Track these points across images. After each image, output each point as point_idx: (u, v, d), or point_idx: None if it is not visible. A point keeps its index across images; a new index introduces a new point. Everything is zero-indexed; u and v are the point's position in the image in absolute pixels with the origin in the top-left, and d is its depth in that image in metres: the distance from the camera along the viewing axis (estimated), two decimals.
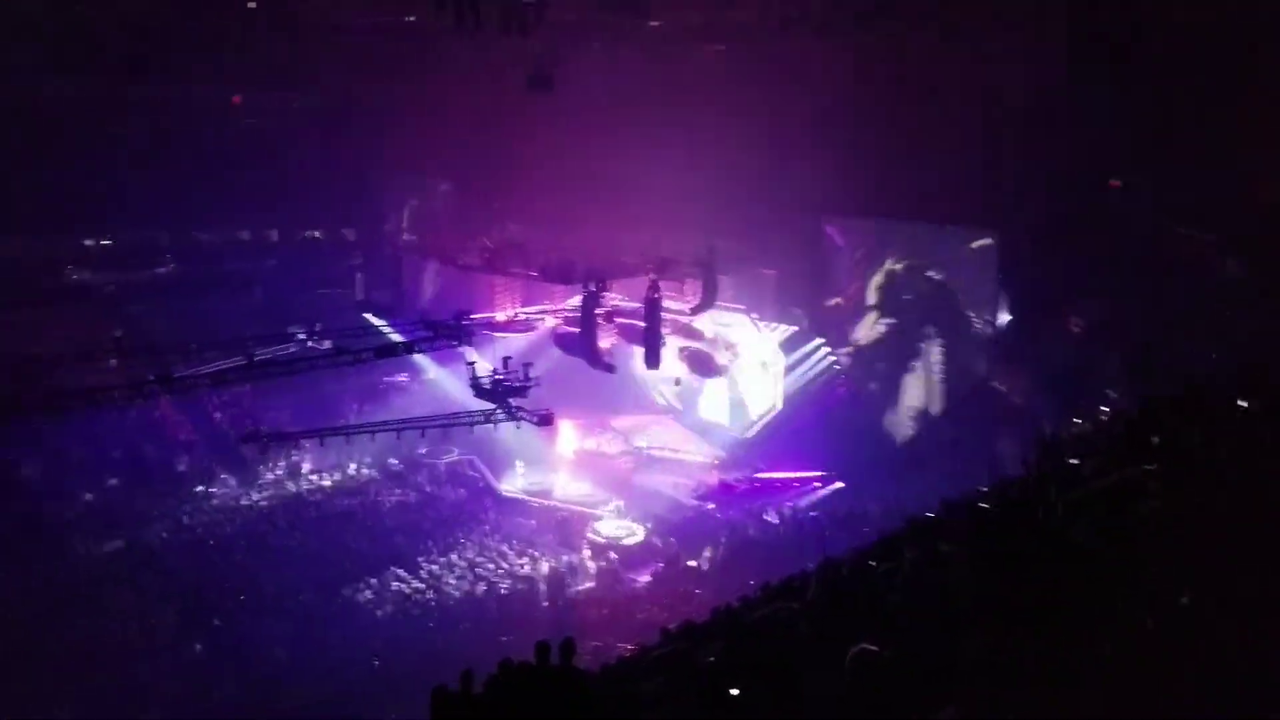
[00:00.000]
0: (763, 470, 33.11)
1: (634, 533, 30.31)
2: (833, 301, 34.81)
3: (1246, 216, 22.75)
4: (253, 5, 26.33)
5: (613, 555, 28.94)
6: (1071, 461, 10.20)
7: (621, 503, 32.21)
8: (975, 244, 30.63)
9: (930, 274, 32.15)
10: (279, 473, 32.34)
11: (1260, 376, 11.65)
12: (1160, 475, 6.56)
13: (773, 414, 34.60)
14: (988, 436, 28.78)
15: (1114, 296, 26.80)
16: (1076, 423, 22.82)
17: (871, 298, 33.72)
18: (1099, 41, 24.67)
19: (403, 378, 36.56)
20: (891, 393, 33.78)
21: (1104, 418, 20.77)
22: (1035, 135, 26.87)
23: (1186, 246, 24.59)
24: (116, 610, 23.84)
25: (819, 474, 31.92)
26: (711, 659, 6.14)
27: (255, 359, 23.96)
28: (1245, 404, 9.59)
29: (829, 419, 33.71)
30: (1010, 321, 30.53)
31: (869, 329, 33.96)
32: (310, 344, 27.78)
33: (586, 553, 29.37)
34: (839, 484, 31.24)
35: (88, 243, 37.40)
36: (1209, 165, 22.28)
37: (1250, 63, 21.10)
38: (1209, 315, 23.14)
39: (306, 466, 32.75)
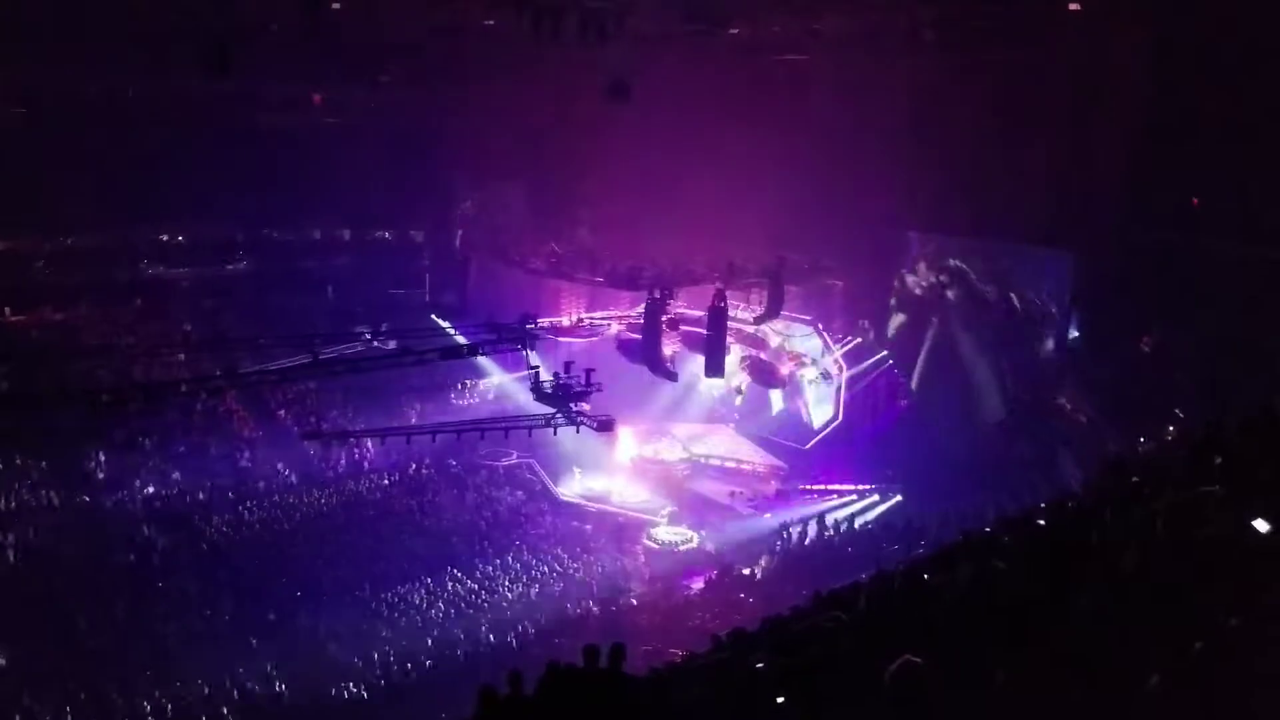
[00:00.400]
0: (821, 481, 32.91)
1: (689, 539, 30.32)
2: (899, 318, 34.56)
3: None
4: (337, 5, 26.81)
5: (667, 561, 28.97)
6: (1133, 480, 10.01)
7: (675, 508, 32.23)
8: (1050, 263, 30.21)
9: (1003, 292, 31.74)
10: (340, 470, 32.79)
11: None
12: (1220, 498, 6.43)
13: (834, 425, 34.39)
14: (1052, 455, 28.31)
15: (1187, 320, 26.18)
16: (1142, 443, 22.35)
17: (936, 313, 33.39)
18: (1190, 66, 24.15)
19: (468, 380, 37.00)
20: (955, 407, 33.39)
21: (1170, 439, 20.32)
22: (1118, 153, 26.40)
23: (1258, 269, 23.91)
24: (175, 602, 24.29)
25: (877, 486, 31.65)
26: (757, 666, 6.18)
27: (320, 357, 24.34)
28: None
29: (890, 432, 33.45)
30: (1080, 340, 30.00)
31: (933, 344, 33.63)
32: (375, 343, 28.22)
33: (641, 558, 29.44)
34: (897, 497, 30.94)
35: (163, 237, 38.44)
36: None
37: None
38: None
39: (367, 465, 33.19)
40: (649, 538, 30.38)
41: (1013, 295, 31.53)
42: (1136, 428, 24.88)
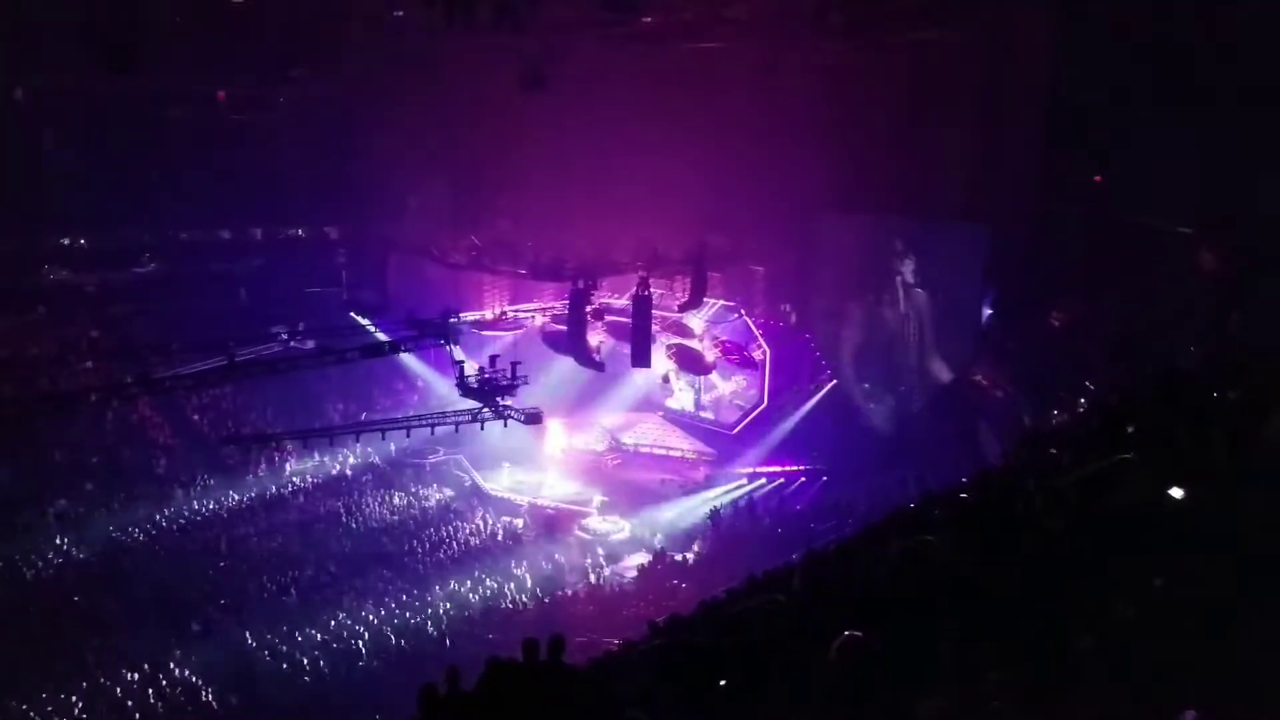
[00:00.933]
0: (748, 465, 33.28)
1: (620, 529, 30.38)
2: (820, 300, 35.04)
3: (1224, 209, 23.00)
4: (239, 1, 26.10)
5: (599, 551, 29.00)
6: (1050, 452, 10.33)
7: (605, 498, 32.28)
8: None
9: (915, 269, 32.39)
10: (261, 475, 32.02)
11: (1237, 368, 11.80)
12: (1136, 464, 6.67)
13: (759, 409, 34.77)
14: (969, 429, 29.03)
15: (1094, 292, 27.06)
16: (1056, 415, 23.06)
17: (855, 293, 33.97)
18: (1089, 41, 24.90)
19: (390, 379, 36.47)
20: (875, 387, 34.05)
21: (1082, 410, 21.01)
22: (1023, 133, 27.12)
23: (1164, 241, 24.85)
24: (92, 617, 23.42)
25: (804, 467, 32.11)
26: (697, 649, 6.22)
27: (237, 359, 23.75)
28: (1222, 395, 9.72)
29: (814, 413, 33.94)
30: (992, 316, 30.78)
31: (852, 325, 34.21)
32: (293, 344, 27.62)
33: (573, 550, 29.40)
34: (823, 477, 31.43)
35: (65, 242, 37.01)
36: (1186, 159, 22.51)
37: (1233, 60, 21.33)
38: (1187, 309, 23.39)
39: (289, 468, 32.48)
40: (581, 529, 30.36)
41: (923, 271, 32.16)
42: (1050, 400, 25.65)
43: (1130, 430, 9.25)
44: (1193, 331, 22.20)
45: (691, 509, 31.56)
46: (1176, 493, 5.99)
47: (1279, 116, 19.89)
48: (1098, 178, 27.41)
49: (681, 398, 36.94)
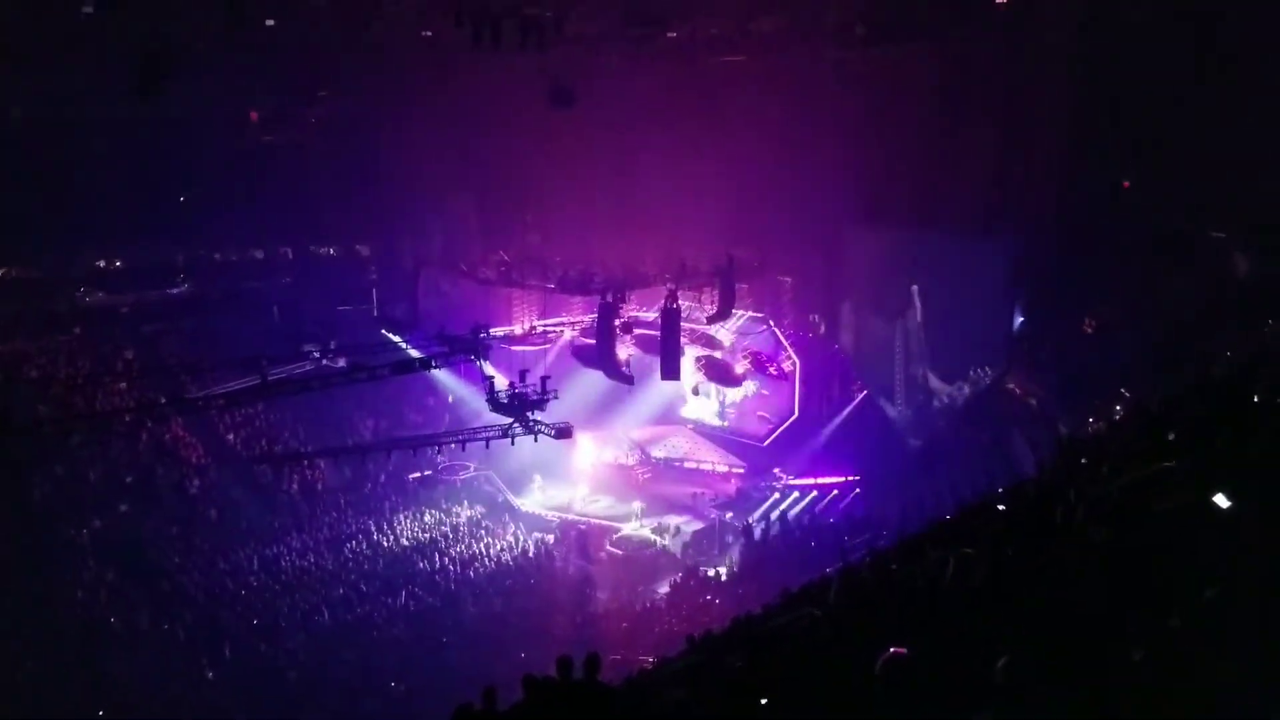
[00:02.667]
0: (782, 477, 33.10)
1: (652, 544, 30.29)
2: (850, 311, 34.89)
3: (1256, 212, 22.72)
4: (271, 23, 26.39)
5: (633, 567, 28.94)
6: (1089, 461, 10.16)
7: (643, 505, 32.26)
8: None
9: (944, 278, 32.15)
10: (293, 492, 32.15)
11: (1276, 372, 11.58)
12: (1179, 472, 6.54)
13: (791, 421, 34.60)
14: (1003, 439, 28.73)
15: (1126, 297, 26.77)
16: (1092, 423, 22.77)
17: (884, 304, 33.74)
18: (1110, 50, 24.76)
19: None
20: (906, 397, 33.78)
21: (1118, 417, 20.71)
22: (1050, 142, 26.96)
23: (1197, 244, 24.58)
24: (125, 638, 23.58)
25: (837, 479, 31.89)
26: (737, 667, 6.15)
27: (269, 378, 23.94)
28: (1262, 399, 9.53)
29: (844, 425, 33.74)
30: (1024, 324, 30.50)
31: (882, 335, 33.98)
32: (325, 362, 27.80)
33: (605, 566, 29.35)
34: (856, 489, 31.20)
35: (100, 264, 37.53)
36: (1218, 163, 22.29)
37: (1256, 64, 21.13)
38: (1222, 313, 23.09)
39: (321, 486, 32.59)
40: (612, 544, 30.32)
41: (957, 281, 31.92)
42: (1085, 407, 25.35)
43: (1171, 437, 9.09)
44: (1229, 336, 21.87)
45: (723, 523, 31.45)
46: (1222, 500, 5.85)
47: None
48: (1126, 183, 27.18)
49: (704, 409, 36.79)
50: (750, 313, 34.58)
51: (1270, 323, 21.61)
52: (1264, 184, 21.75)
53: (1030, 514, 8.53)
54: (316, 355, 27.78)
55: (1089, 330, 28.56)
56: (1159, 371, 22.19)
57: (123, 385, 30.60)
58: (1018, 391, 30.30)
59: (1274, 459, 6.56)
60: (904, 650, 4.53)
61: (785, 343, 34.17)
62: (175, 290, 38.48)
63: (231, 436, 33.28)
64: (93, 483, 29.63)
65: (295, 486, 32.07)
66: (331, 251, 42.14)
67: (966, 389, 31.79)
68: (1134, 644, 4.17)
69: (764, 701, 5.54)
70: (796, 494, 32.13)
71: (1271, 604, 4.38)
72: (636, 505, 32.40)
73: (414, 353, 29.41)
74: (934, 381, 32.90)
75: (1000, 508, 10.30)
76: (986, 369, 31.28)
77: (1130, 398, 23.25)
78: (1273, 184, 21.52)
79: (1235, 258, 24.88)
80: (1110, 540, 5.98)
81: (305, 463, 31.18)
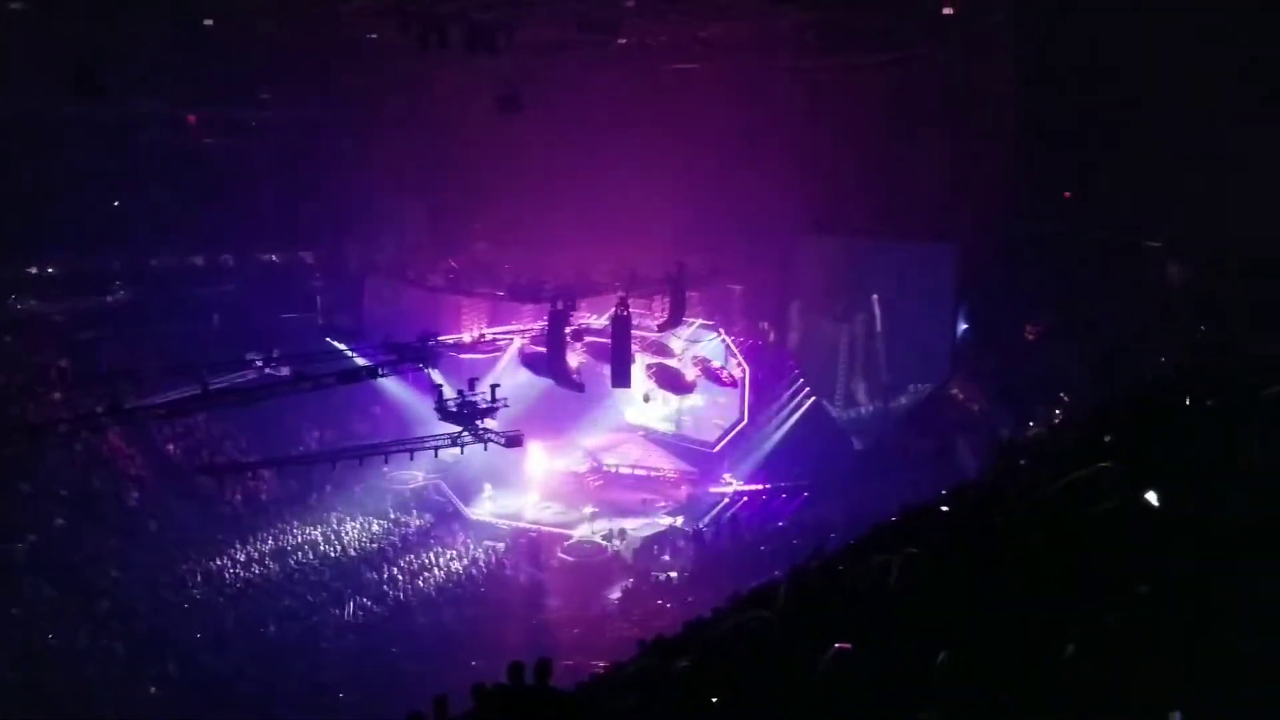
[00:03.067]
0: (731, 482, 33.31)
1: (604, 550, 30.29)
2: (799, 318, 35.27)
3: (1190, 223, 23.39)
4: (209, 23, 25.95)
5: (583, 574, 28.91)
6: (1028, 464, 10.41)
7: (594, 510, 32.29)
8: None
9: (890, 287, 32.67)
10: (237, 504, 31.57)
11: (1209, 377, 11.96)
12: (1114, 473, 6.75)
13: (740, 426, 34.84)
14: (947, 444, 29.23)
15: (1066, 305, 27.40)
16: (1031, 427, 23.27)
17: (832, 311, 34.21)
18: (1056, 67, 25.33)
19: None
20: (853, 403, 34.23)
21: (1058, 421, 21.22)
22: (994, 153, 27.51)
23: (1134, 254, 25.24)
24: (64, 655, 22.88)
25: (786, 485, 32.15)
26: (686, 668, 6.21)
27: (211, 387, 23.50)
28: (1196, 403, 9.85)
29: (793, 430, 34.05)
30: (967, 331, 31.07)
31: (830, 342, 34.44)
32: (268, 370, 27.34)
33: (556, 573, 29.28)
34: (804, 494, 31.48)
35: (32, 270, 36.52)
36: (1154, 175, 22.92)
37: (1194, 83, 21.74)
38: (1157, 320, 23.73)
39: (265, 497, 32.05)
40: (564, 552, 30.28)
41: (902, 289, 32.46)
42: (1025, 412, 25.89)
43: (1107, 440, 9.36)
44: (1163, 343, 22.49)
45: (674, 529, 31.57)
46: (1154, 499, 6.05)
47: (1243, 133, 20.27)
48: (1066, 194, 27.82)
49: (655, 416, 36.93)
50: (701, 320, 34.76)
51: (1203, 330, 22.27)
52: (1198, 195, 22.41)
53: (972, 516, 8.72)
54: (260, 364, 27.24)
55: (1030, 338, 29.17)
56: (1097, 378, 22.75)
57: (57, 395, 29.80)
58: (961, 397, 30.86)
59: (1205, 461, 6.80)
60: (849, 647, 4.63)
61: (735, 350, 34.40)
62: (111, 297, 37.60)
63: (172, 447, 32.62)
64: (27, 496, 28.83)
65: (239, 498, 31.51)
66: (275, 258, 41.44)
67: (904, 400, 32.40)
68: (1070, 640, 4.30)
69: (714, 701, 5.61)
70: (746, 499, 32.33)
71: (1202, 599, 4.55)
72: (588, 510, 32.46)
73: (361, 361, 29.03)
74: (861, 396, 33.51)
75: (944, 510, 10.50)
76: (923, 386, 31.93)
77: (1069, 403, 23.82)
78: (1205, 195, 22.18)
79: (1170, 267, 25.61)
80: (1048, 540, 6.16)
81: (249, 473, 30.64)
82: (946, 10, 25.91)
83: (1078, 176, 26.46)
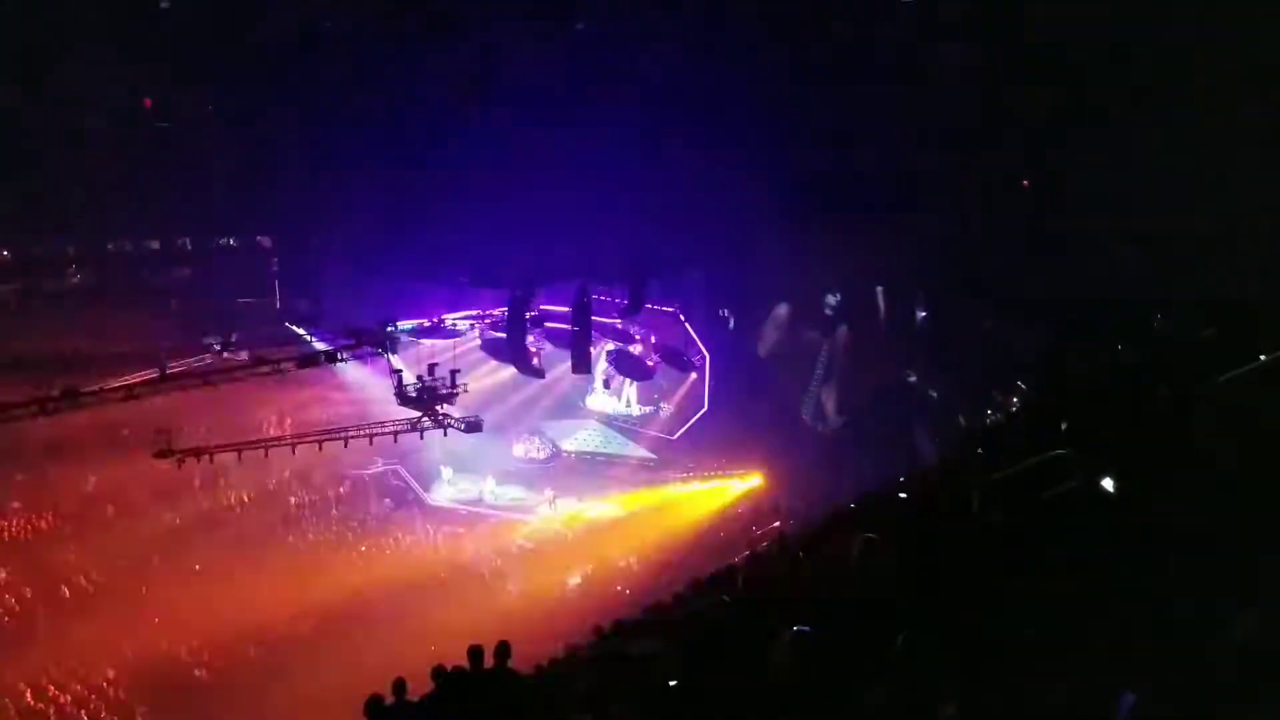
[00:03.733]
0: (691, 468, 33.42)
1: (564, 536, 30.30)
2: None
3: (1146, 211, 23.73)
4: (165, 5, 25.47)
5: (542, 559, 28.91)
6: (986, 450, 10.55)
7: (554, 493, 32.28)
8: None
9: (849, 272, 32.83)
10: (195, 489, 31.16)
11: (1163, 365, 12.16)
12: (1070, 459, 6.86)
13: (700, 414, 34.95)
14: (905, 430, 29.51)
15: (1024, 293, 27.69)
16: (989, 414, 23.56)
17: (791, 297, 34.35)
18: (1010, 52, 25.49)
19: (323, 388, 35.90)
20: (812, 389, 34.42)
21: (1014, 409, 21.50)
22: (953, 138, 27.63)
23: (1091, 243, 25.54)
24: (23, 638, 22.80)
25: (744, 470, 32.32)
26: (646, 652, 6.24)
27: (168, 371, 23.20)
28: (1149, 391, 10.02)
29: (754, 417, 34.19)
30: (925, 318, 31.32)
31: (789, 328, 34.58)
32: (226, 355, 27.01)
33: (515, 558, 29.26)
34: (762, 479, 31.65)
35: None
36: (1112, 163, 23.20)
37: (1155, 67, 22.01)
38: (1113, 308, 24.04)
39: (224, 482, 31.66)
40: (524, 537, 30.26)
41: (861, 275, 32.64)
42: (983, 400, 26.17)
43: (1063, 427, 9.51)
44: (1119, 331, 22.81)
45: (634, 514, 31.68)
46: (1109, 485, 6.16)
47: (1200, 122, 20.58)
48: (1025, 182, 28.08)
49: (615, 403, 36.97)
50: (662, 306, 34.75)
51: (1159, 318, 22.62)
52: (1155, 183, 22.72)
53: (930, 500, 8.83)
54: (217, 348, 26.94)
55: (987, 325, 29.46)
56: (1053, 366, 23.05)
57: (12, 379, 29.23)
58: (919, 383, 31.13)
59: (1158, 447, 6.92)
60: (806, 629, 4.67)
61: (695, 336, 34.44)
62: (66, 281, 36.91)
63: (128, 432, 32.11)
64: None
65: (197, 483, 31.12)
66: (232, 242, 40.87)
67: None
68: (1025, 619, 4.38)
69: (672, 684, 5.64)
70: (705, 485, 32.47)
71: (1153, 580, 4.63)
72: (549, 493, 32.47)
73: (320, 345, 28.77)
74: (830, 410, 33.73)
75: (902, 495, 10.63)
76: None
77: (1026, 390, 24.13)
78: (1163, 183, 22.50)
79: (1127, 255, 25.95)
80: (1004, 523, 6.26)
81: (207, 458, 30.23)
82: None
83: (1036, 163, 26.70)
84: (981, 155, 27.26)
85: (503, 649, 7.15)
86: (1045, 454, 7.56)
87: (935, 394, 30.26)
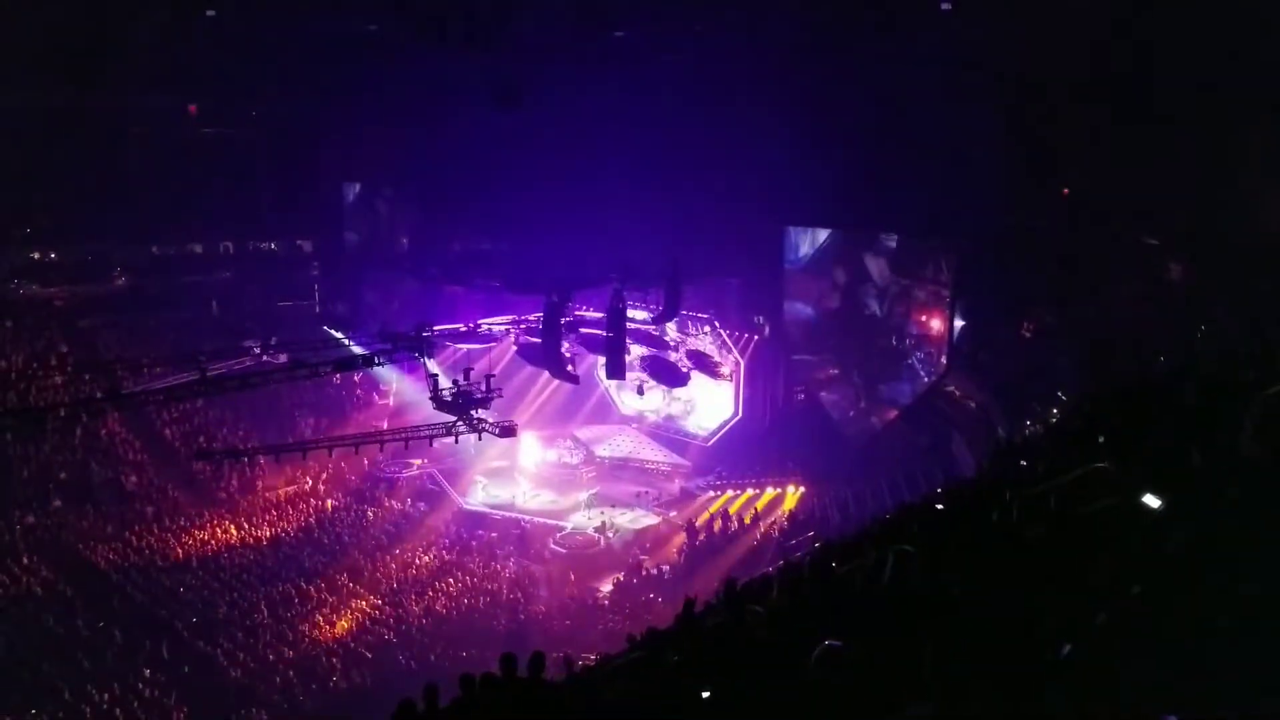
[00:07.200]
0: (724, 476, 33.31)
1: (596, 543, 30.31)
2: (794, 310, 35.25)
3: (1188, 220, 23.39)
4: (211, 13, 25.89)
5: (575, 565, 28.93)
6: (1022, 462, 10.39)
7: (587, 500, 32.33)
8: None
9: (886, 282, 32.65)
10: (233, 489, 31.57)
11: (1206, 375, 11.94)
12: (1110, 473, 6.73)
13: (734, 420, 34.85)
14: (942, 440, 29.22)
15: (1063, 302, 27.37)
16: (1028, 426, 23.25)
17: (827, 307, 34.19)
18: (1049, 58, 25.25)
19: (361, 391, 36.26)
20: (850, 398, 34.22)
21: (1054, 420, 21.19)
22: (992, 151, 27.38)
23: (1132, 252, 25.21)
24: (59, 638, 22.86)
25: (778, 478, 32.16)
26: (677, 661, 6.20)
27: (208, 373, 23.45)
28: (1193, 402, 9.83)
29: (789, 425, 34.06)
30: (964, 328, 31.03)
31: (824, 337, 34.43)
32: (265, 357, 27.29)
33: (548, 564, 29.31)
34: (801, 488, 31.47)
35: (34, 255, 36.59)
36: (1152, 173, 22.89)
37: (1190, 76, 21.70)
38: (1155, 319, 23.70)
39: (261, 484, 32.07)
40: (556, 543, 30.30)
41: (898, 285, 32.46)
42: (1022, 410, 25.85)
43: (1102, 439, 9.34)
44: (1161, 341, 22.45)
45: (667, 521, 31.60)
46: (1151, 500, 6.03)
47: (1241, 133, 20.26)
48: (1065, 191, 27.77)
49: (649, 408, 37.00)
50: (696, 313, 34.75)
51: (1202, 328, 22.25)
52: (1196, 193, 22.40)
53: (968, 513, 8.70)
54: (257, 351, 27.19)
55: (1027, 335, 29.15)
56: (1093, 376, 22.72)
57: (57, 380, 29.81)
58: (957, 394, 30.83)
59: (1201, 462, 6.78)
60: (839, 644, 4.62)
61: (730, 343, 34.38)
62: (111, 284, 37.64)
63: (169, 432, 32.64)
64: (25, 479, 28.85)
65: (235, 484, 31.53)
66: (273, 246, 41.51)
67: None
68: (1063, 638, 4.29)
69: (705, 696, 5.59)
70: (739, 492, 32.34)
71: (1192, 600, 4.53)
72: (581, 499, 32.55)
73: (357, 349, 28.97)
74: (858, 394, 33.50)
75: (939, 507, 10.49)
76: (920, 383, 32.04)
77: (1065, 401, 23.80)
78: (1203, 193, 22.17)
79: (1169, 265, 25.57)
80: (1043, 539, 6.15)
81: (245, 460, 30.62)
82: (945, 5, 25.84)
83: (1076, 173, 26.43)
84: (1020, 163, 26.99)
85: (537, 659, 7.13)
86: (1084, 467, 7.42)
87: (974, 404, 29.96)
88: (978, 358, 30.49)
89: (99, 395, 24.07)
